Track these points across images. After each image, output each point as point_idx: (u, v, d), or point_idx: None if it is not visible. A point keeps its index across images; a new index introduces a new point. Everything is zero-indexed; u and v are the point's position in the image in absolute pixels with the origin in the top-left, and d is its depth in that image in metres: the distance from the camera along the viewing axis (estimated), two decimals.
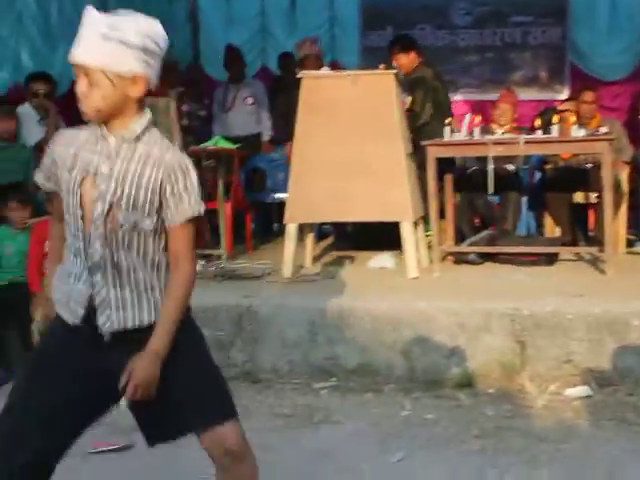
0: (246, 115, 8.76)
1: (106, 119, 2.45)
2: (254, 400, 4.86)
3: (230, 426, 2.57)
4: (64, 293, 2.52)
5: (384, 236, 6.85)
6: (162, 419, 2.54)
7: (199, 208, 2.50)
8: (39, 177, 2.62)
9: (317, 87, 6.22)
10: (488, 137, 6.55)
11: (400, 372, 5.10)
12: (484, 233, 6.86)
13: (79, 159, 2.47)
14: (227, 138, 7.71)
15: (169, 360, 2.47)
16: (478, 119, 6.72)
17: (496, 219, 7.18)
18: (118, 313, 2.48)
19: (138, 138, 2.48)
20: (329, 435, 4.38)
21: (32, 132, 6.61)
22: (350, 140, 6.03)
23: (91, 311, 2.48)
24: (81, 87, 2.41)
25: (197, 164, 7.18)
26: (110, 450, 4.09)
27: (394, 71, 6.37)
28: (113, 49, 2.36)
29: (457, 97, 9.38)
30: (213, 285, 6.06)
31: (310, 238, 6.68)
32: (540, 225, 7.63)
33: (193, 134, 7.55)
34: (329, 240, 7.63)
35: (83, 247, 2.47)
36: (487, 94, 9.45)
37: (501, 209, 7.18)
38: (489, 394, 4.86)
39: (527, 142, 6.13)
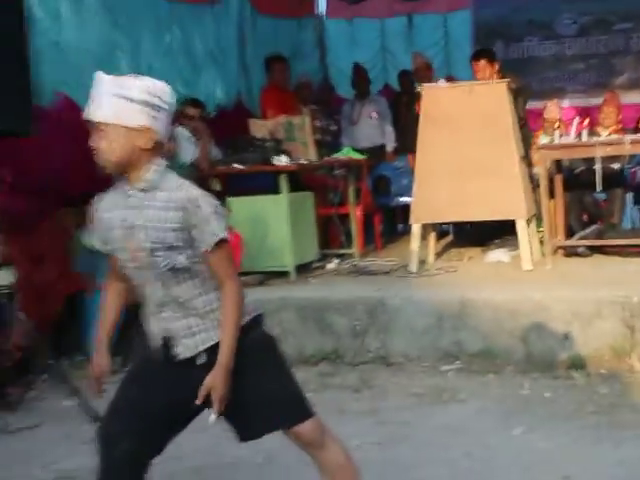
0: (371, 128, 8.82)
1: (122, 170, 2.49)
2: (389, 381, 4.99)
3: (306, 424, 2.63)
4: (149, 329, 2.65)
5: (499, 233, 6.89)
6: (247, 422, 2.62)
7: (219, 233, 2.48)
8: (96, 242, 2.65)
9: (436, 99, 6.26)
10: (596, 139, 6.47)
11: (518, 356, 5.11)
12: (592, 227, 6.77)
13: (117, 218, 2.53)
14: (355, 149, 7.84)
15: (249, 372, 2.56)
16: (586, 122, 6.65)
17: (603, 214, 7.08)
18: (189, 340, 2.56)
19: (156, 185, 2.49)
20: (456, 411, 4.46)
21: (187, 151, 6.87)
22: (468, 146, 6.04)
23: (167, 341, 2.58)
24: (95, 142, 2.45)
25: (329, 172, 7.39)
26: None
27: (506, 80, 6.35)
28: (120, 105, 2.42)
29: (564, 103, 9.22)
30: (348, 280, 6.22)
31: (432, 236, 6.72)
32: None
33: (326, 147, 7.69)
34: (448, 238, 7.66)
35: (146, 291, 2.57)
36: (593, 99, 9.24)
37: (608, 205, 7.08)
38: (601, 374, 4.84)
39: (633, 142, 6.05)
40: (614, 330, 4.98)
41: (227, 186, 6.61)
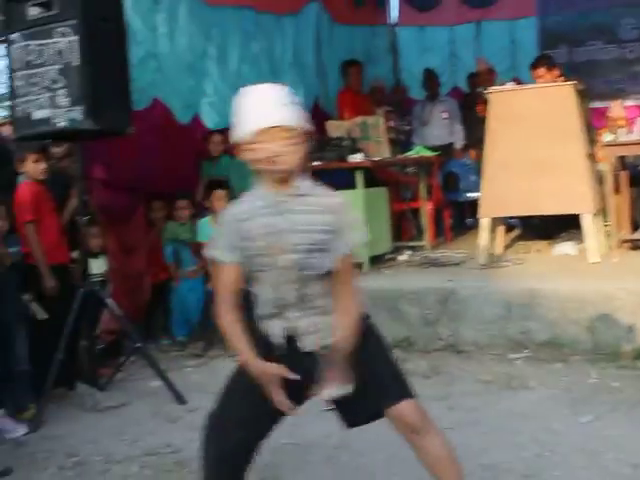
0: (441, 128, 8.70)
1: (289, 176, 2.41)
2: (458, 368, 4.85)
3: (407, 404, 2.52)
4: (269, 327, 2.54)
5: (565, 226, 6.67)
6: (356, 407, 2.54)
7: (354, 242, 2.46)
8: (217, 253, 2.48)
9: (505, 100, 6.09)
10: None
11: (585, 345, 4.90)
12: None
13: (262, 224, 2.43)
14: (426, 147, 7.73)
15: (359, 360, 2.48)
16: None
17: None
18: (313, 336, 2.49)
19: (304, 190, 2.45)
20: (525, 398, 4.28)
21: None
22: (536, 143, 5.86)
23: (290, 338, 2.51)
24: (277, 148, 2.35)
25: (402, 170, 7.28)
26: None
27: (574, 82, 6.13)
28: (296, 111, 2.39)
29: (628, 103, 8.95)
30: (420, 271, 6.10)
31: (500, 230, 6.56)
32: None
33: (399, 146, 7.60)
34: (516, 231, 7.47)
35: (278, 294, 2.47)
36: None
37: None
38: None
39: None
40: None
41: None
